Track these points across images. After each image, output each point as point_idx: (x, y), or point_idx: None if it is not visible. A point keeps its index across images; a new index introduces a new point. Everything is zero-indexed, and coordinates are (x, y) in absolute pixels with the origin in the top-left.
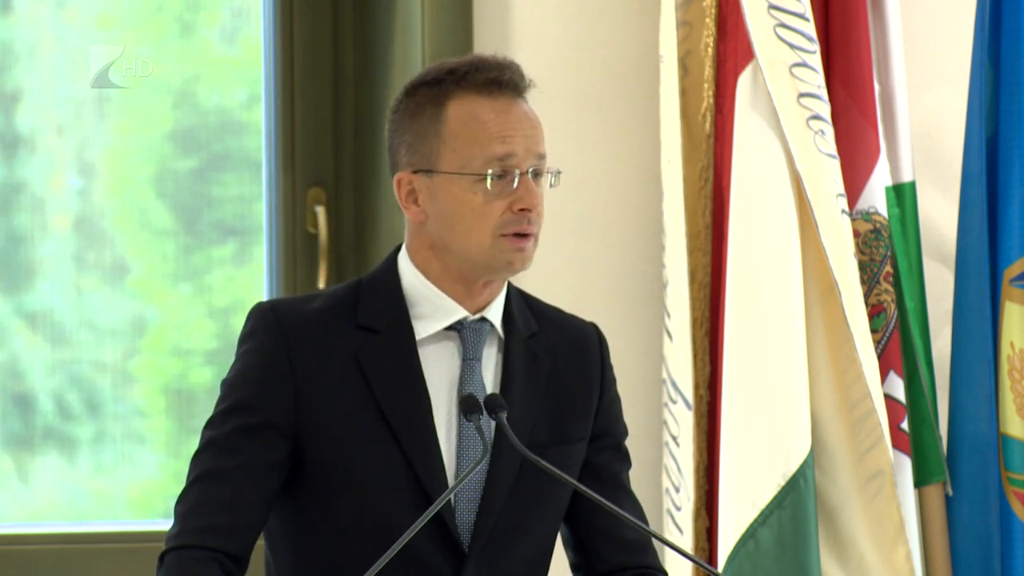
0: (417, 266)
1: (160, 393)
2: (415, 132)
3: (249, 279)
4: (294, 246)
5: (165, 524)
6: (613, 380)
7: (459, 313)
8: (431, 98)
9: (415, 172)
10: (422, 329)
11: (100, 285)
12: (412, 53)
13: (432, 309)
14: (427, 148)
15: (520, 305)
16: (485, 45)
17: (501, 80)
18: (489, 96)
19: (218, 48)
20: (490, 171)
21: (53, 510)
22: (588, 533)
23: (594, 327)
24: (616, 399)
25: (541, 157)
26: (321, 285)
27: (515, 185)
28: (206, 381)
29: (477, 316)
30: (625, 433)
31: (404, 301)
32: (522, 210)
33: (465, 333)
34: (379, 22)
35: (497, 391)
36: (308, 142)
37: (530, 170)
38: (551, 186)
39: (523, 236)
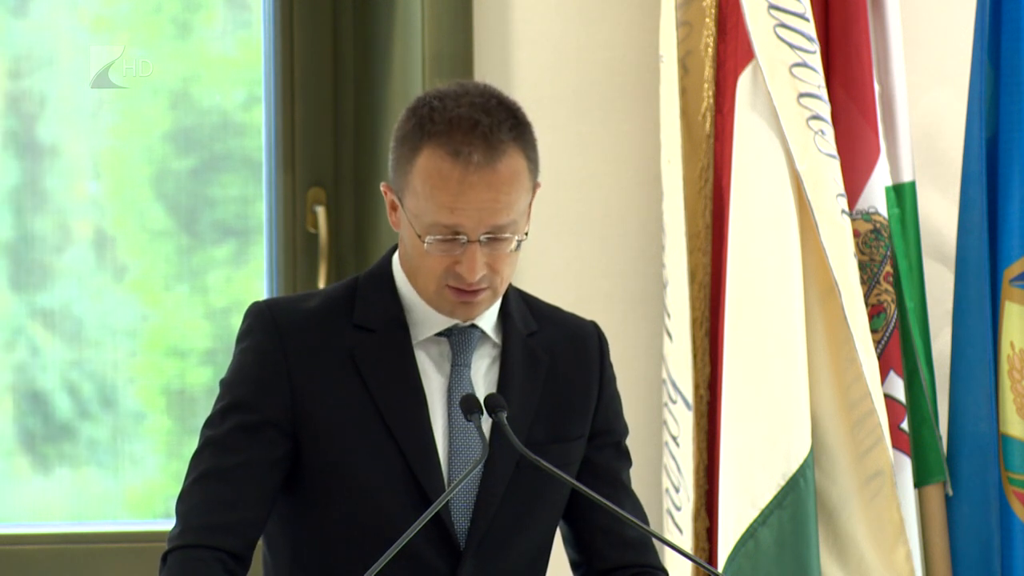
0: (405, 273)
1: (160, 393)
2: (397, 157)
3: (248, 279)
4: (294, 246)
5: (165, 524)
6: (613, 378)
7: (448, 321)
8: (412, 135)
9: (393, 190)
10: (416, 332)
11: (100, 286)
12: (412, 53)
13: (422, 315)
14: (401, 179)
15: (519, 304)
16: (485, 45)
17: (468, 148)
18: (452, 161)
19: (218, 48)
20: (429, 237)
21: (53, 510)
22: (588, 531)
23: (594, 325)
24: (616, 397)
25: (498, 228)
26: (321, 285)
27: (461, 249)
28: (206, 381)
29: (467, 324)
30: (625, 431)
31: (400, 301)
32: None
33: (454, 339)
34: (379, 22)
35: (494, 392)
36: (308, 142)
37: (483, 237)
38: (514, 250)
39: (466, 292)
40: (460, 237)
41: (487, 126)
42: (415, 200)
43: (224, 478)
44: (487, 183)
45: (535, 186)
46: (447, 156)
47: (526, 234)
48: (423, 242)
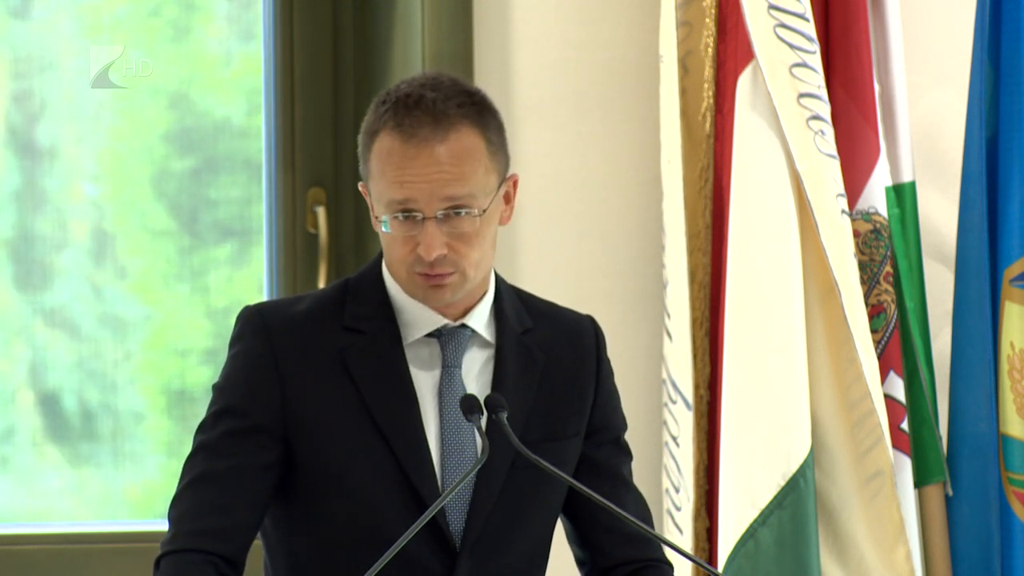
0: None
1: (160, 393)
2: (362, 150)
3: (248, 280)
4: (294, 246)
5: (165, 524)
6: (610, 373)
7: (438, 321)
8: (372, 123)
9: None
10: (406, 334)
11: (101, 286)
12: (412, 53)
13: (412, 316)
14: (364, 170)
15: (513, 302)
16: (485, 45)
17: (412, 121)
18: (402, 138)
19: (218, 49)
20: (384, 216)
21: (53, 510)
22: (590, 528)
23: (590, 320)
24: (613, 392)
25: (452, 199)
26: (321, 285)
27: (419, 229)
28: (206, 381)
29: (457, 323)
30: (624, 426)
31: (390, 303)
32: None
33: (444, 340)
34: (379, 22)
35: (488, 391)
36: (308, 143)
37: (438, 214)
38: (476, 228)
39: (432, 275)
40: (416, 214)
41: (431, 100)
42: (375, 184)
43: (216, 483)
44: (432, 154)
45: (505, 173)
46: (394, 133)
47: (484, 211)
48: (381, 224)
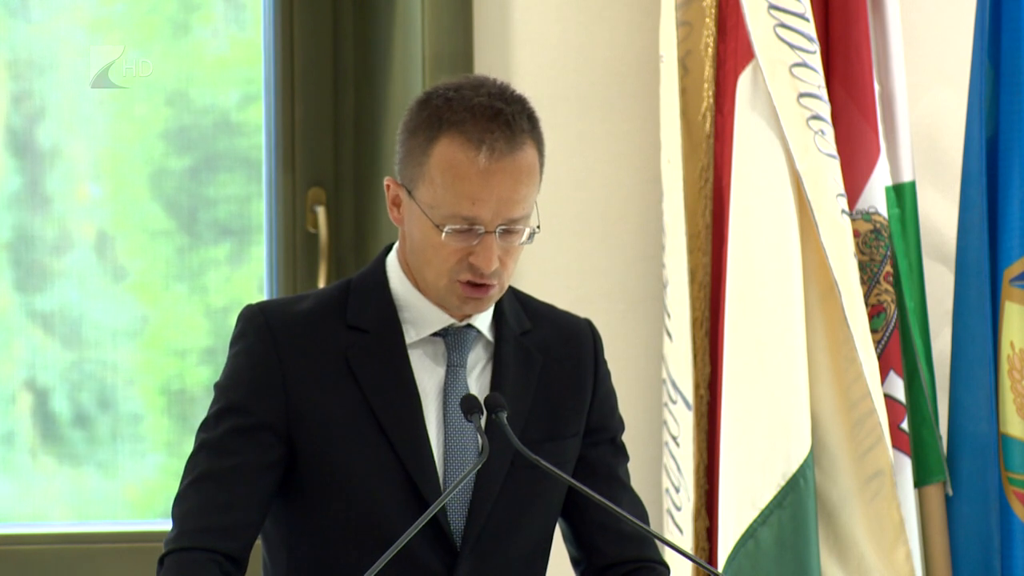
0: (404, 271)
1: (160, 393)
2: (408, 148)
3: (247, 279)
4: (294, 246)
5: (165, 524)
6: (607, 375)
7: (445, 321)
8: (428, 125)
9: (400, 184)
10: (410, 333)
11: (99, 287)
12: (412, 53)
13: (418, 315)
14: (412, 171)
15: (512, 303)
16: (485, 45)
17: (491, 136)
18: (475, 150)
19: (217, 48)
20: (448, 227)
21: (53, 510)
22: (586, 527)
23: (587, 323)
24: (611, 393)
25: (514, 219)
26: (321, 285)
27: (477, 240)
28: (205, 381)
29: (463, 323)
30: (621, 427)
31: (393, 303)
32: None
33: (450, 340)
34: (379, 22)
35: (488, 392)
36: (308, 142)
37: (498, 229)
38: (525, 243)
39: (477, 286)
40: (477, 228)
41: (509, 115)
42: (431, 191)
43: (220, 481)
44: (509, 173)
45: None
46: (470, 144)
47: (538, 227)
48: (440, 232)
